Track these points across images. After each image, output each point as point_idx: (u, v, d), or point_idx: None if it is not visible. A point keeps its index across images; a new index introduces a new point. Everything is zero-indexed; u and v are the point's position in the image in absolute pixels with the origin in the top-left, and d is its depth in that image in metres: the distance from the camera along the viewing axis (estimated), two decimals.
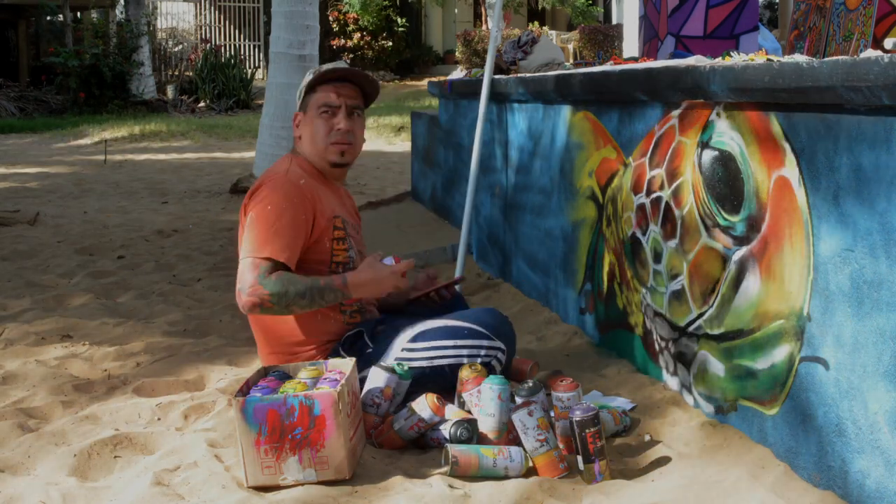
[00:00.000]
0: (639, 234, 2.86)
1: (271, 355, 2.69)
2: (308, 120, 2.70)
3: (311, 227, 2.57)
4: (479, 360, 2.57)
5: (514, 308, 3.76)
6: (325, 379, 2.28)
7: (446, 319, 2.64)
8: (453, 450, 2.22)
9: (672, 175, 2.64)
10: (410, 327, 2.62)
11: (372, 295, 2.65)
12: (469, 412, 2.50)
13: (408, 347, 2.58)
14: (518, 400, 2.32)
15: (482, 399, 2.36)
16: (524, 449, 2.25)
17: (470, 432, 2.33)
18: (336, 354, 2.61)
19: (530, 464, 2.24)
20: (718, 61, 2.52)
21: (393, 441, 2.38)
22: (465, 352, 2.57)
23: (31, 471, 2.29)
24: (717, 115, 2.41)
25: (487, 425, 2.34)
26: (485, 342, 2.59)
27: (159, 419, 2.63)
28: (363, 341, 2.63)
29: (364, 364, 2.57)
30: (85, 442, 2.41)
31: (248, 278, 2.46)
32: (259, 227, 2.51)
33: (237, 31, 20.81)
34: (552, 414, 2.42)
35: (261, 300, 2.45)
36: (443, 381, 2.57)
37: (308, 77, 2.71)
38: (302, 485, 2.14)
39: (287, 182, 2.58)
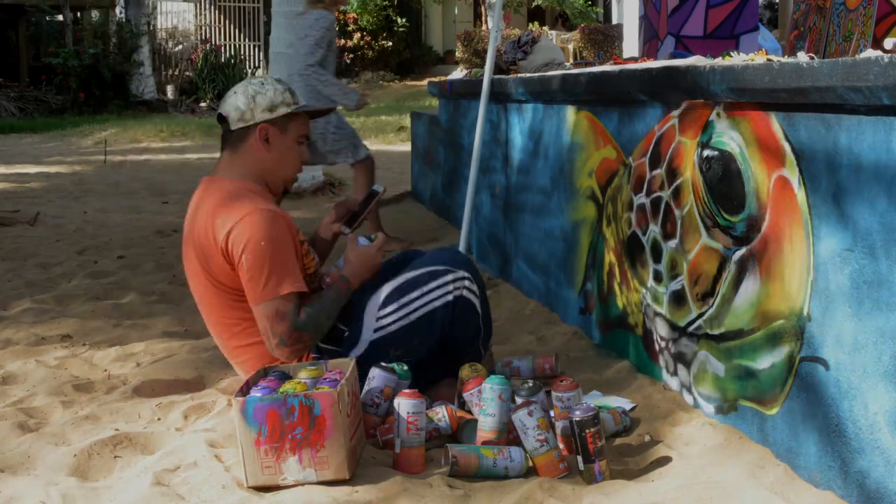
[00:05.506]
0: (639, 234, 2.86)
1: (240, 348, 2.61)
2: (287, 143, 2.61)
3: (297, 247, 2.54)
4: (450, 296, 2.57)
5: (514, 308, 3.76)
6: (325, 379, 2.28)
7: (404, 274, 2.63)
8: (453, 450, 2.22)
9: (672, 175, 2.64)
10: (375, 296, 2.62)
11: (367, 278, 2.64)
12: (469, 412, 2.50)
13: (379, 316, 2.58)
14: (518, 400, 2.32)
15: (483, 399, 2.36)
16: (524, 449, 2.25)
17: None
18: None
19: (530, 464, 2.24)
20: (718, 61, 2.52)
21: (409, 463, 2.26)
22: (433, 295, 2.58)
23: (31, 471, 2.29)
24: (717, 115, 2.41)
25: (488, 425, 2.34)
26: (448, 277, 2.59)
27: (159, 419, 2.63)
28: (337, 327, 2.61)
29: (348, 347, 2.58)
30: (85, 442, 2.41)
31: (282, 328, 2.43)
32: (264, 267, 2.43)
33: (237, 31, 20.80)
34: (552, 414, 2.42)
35: (304, 344, 2.48)
36: (425, 333, 2.58)
37: (288, 98, 2.60)
38: (302, 485, 2.14)
39: (263, 212, 2.47)
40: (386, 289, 2.62)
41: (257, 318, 2.48)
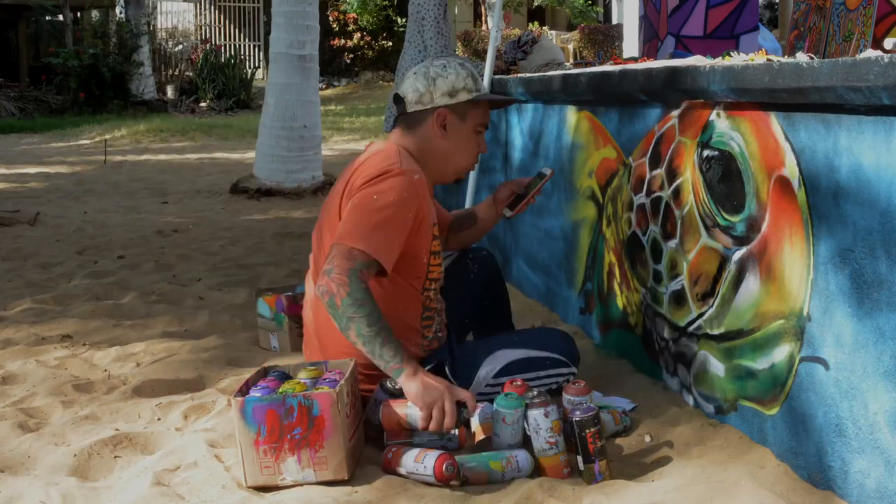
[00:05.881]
0: (639, 234, 2.86)
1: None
2: (464, 131, 2.52)
3: (413, 229, 2.37)
4: (553, 386, 2.57)
5: (515, 308, 3.75)
6: (325, 379, 2.28)
7: (524, 349, 2.59)
8: (463, 469, 2.18)
9: (672, 175, 2.64)
10: (489, 358, 2.56)
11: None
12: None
13: (492, 383, 2.53)
14: (538, 399, 2.29)
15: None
16: (531, 447, 2.23)
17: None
18: None
19: (534, 465, 2.22)
20: (718, 61, 2.51)
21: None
22: (548, 381, 2.58)
23: (31, 471, 2.29)
24: (717, 115, 2.41)
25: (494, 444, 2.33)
26: (564, 370, 2.60)
27: (159, 419, 2.63)
28: (444, 375, 2.51)
29: None
30: (85, 442, 2.41)
31: (341, 263, 2.24)
32: (360, 215, 2.31)
33: (237, 31, 20.80)
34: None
35: (337, 291, 2.21)
36: None
37: (470, 84, 2.50)
38: (301, 485, 2.14)
39: (401, 173, 2.35)
40: (506, 356, 2.57)
41: (330, 252, 2.31)
